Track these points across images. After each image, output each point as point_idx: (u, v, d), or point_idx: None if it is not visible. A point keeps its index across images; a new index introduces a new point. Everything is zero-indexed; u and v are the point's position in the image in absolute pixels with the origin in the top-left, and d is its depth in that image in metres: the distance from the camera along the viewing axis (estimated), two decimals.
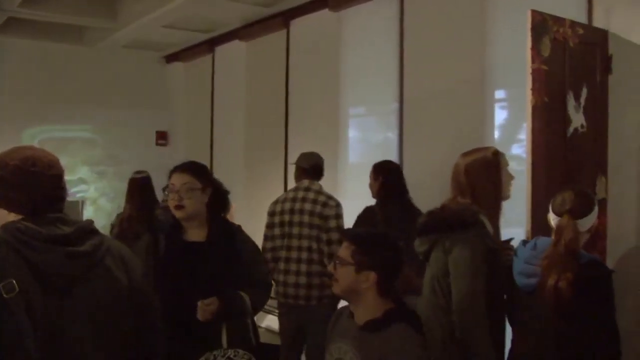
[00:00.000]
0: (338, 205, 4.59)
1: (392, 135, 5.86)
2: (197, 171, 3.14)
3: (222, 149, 8.44)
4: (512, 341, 3.01)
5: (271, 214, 4.57)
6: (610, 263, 3.96)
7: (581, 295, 2.64)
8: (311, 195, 4.54)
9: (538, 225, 3.48)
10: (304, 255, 4.47)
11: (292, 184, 5.83)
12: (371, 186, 4.73)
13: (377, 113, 6.34)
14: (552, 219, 2.86)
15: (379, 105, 6.19)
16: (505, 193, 3.12)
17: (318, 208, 4.48)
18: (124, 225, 5.25)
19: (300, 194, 4.55)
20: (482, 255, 2.87)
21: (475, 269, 2.85)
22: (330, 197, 4.61)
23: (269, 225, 4.54)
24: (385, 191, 4.62)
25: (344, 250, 2.55)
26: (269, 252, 4.54)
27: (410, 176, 5.54)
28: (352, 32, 6.35)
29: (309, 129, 6.82)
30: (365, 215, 4.63)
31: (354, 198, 5.92)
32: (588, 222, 2.81)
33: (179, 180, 3.07)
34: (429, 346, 2.64)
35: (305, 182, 4.58)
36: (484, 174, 3.04)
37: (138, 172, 5.65)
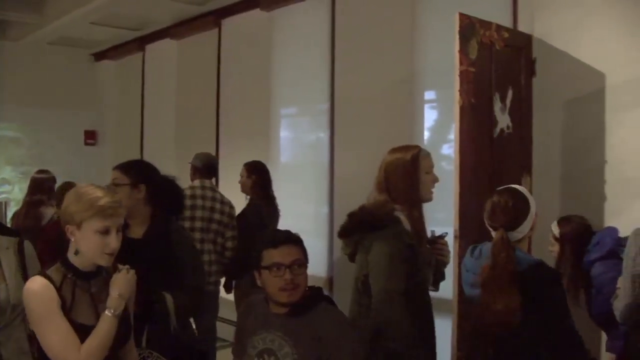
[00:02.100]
0: None
1: (324, 135, 5.89)
2: (126, 168, 3.12)
3: (152, 149, 8.30)
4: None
5: (192, 207, 4.61)
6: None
7: (528, 303, 2.55)
8: (218, 195, 4.87)
9: (465, 224, 3.55)
10: (209, 246, 4.75)
11: (225, 183, 5.81)
12: (244, 183, 5.20)
13: (309, 113, 6.37)
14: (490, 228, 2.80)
15: (311, 105, 6.22)
16: (424, 195, 3.04)
17: (227, 209, 4.86)
18: (13, 221, 5.71)
19: (209, 194, 4.80)
20: (399, 253, 2.86)
21: (392, 268, 2.85)
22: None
23: (189, 218, 4.59)
24: (260, 188, 5.17)
25: (298, 254, 2.54)
26: None
27: (341, 175, 5.61)
28: (283, 32, 6.36)
29: (240, 129, 6.79)
30: (253, 210, 5.05)
31: (286, 198, 5.93)
32: (525, 228, 2.73)
33: (111, 176, 3.11)
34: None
35: (208, 182, 4.85)
36: (399, 175, 3.01)
37: (39, 172, 5.85)
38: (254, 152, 5.89)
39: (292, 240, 2.57)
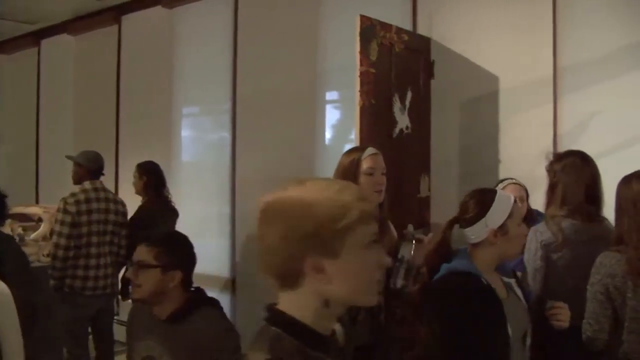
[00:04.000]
0: None
1: (226, 135, 5.85)
2: None
3: (48, 150, 7.99)
4: None
5: (77, 213, 4.49)
6: None
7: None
8: (110, 195, 4.81)
9: None
10: (105, 249, 4.66)
11: (125, 185, 5.68)
12: (136, 184, 5.24)
13: (211, 112, 6.31)
14: None
15: (213, 104, 6.16)
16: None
17: (120, 207, 4.81)
18: None
19: (102, 195, 4.71)
20: None
21: None
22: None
23: (75, 224, 4.47)
24: (152, 189, 5.18)
25: (145, 254, 2.49)
26: (63, 249, 4.46)
27: (243, 175, 5.58)
28: (185, 30, 6.27)
29: (141, 128, 6.65)
30: (144, 212, 5.05)
31: (188, 198, 5.86)
32: (478, 232, 2.34)
33: None
34: None
35: (99, 183, 4.75)
36: (337, 176, 3.04)
37: None
38: (155, 151, 5.78)
39: (148, 241, 2.54)
